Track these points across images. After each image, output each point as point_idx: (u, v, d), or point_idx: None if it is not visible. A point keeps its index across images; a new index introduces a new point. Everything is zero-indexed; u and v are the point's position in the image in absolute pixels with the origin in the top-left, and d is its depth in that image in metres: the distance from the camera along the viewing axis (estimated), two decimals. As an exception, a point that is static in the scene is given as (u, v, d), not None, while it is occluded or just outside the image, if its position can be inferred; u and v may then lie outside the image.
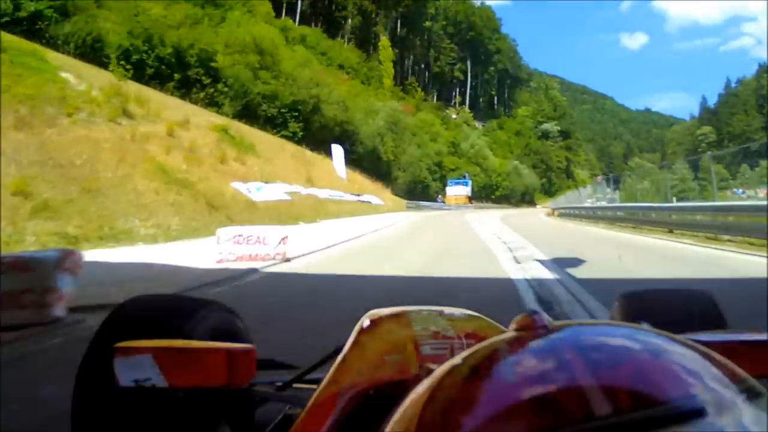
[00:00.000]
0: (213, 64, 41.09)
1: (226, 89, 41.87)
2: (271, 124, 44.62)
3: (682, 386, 0.49)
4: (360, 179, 48.18)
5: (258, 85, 44.01)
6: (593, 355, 0.55)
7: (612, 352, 0.57)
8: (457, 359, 0.67)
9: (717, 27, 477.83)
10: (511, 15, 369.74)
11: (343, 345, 1.40)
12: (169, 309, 1.76)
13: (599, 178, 49.11)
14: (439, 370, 0.66)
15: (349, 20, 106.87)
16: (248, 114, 42.11)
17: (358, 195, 38.28)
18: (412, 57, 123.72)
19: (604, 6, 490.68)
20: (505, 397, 0.53)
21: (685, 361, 0.55)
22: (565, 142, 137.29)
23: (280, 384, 1.59)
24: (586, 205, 40.45)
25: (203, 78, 40.79)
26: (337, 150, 44.76)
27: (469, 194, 79.83)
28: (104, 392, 1.37)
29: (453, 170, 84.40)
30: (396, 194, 58.69)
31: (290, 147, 39.95)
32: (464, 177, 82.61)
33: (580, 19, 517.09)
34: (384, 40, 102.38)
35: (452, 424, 0.53)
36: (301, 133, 46.16)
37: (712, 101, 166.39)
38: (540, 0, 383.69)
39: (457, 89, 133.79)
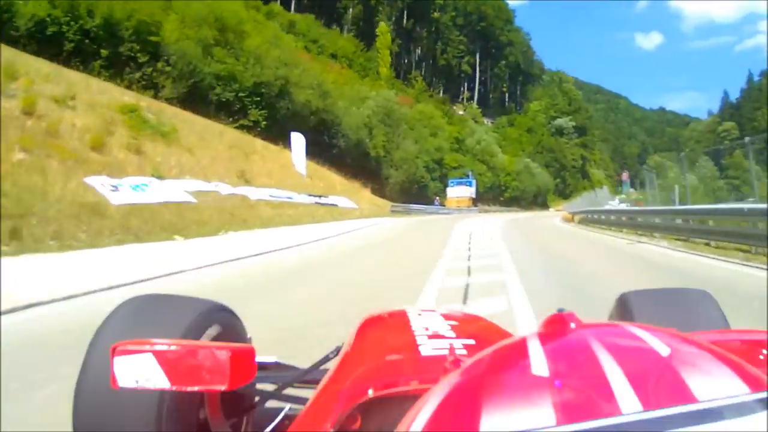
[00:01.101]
0: (153, 39, 33.44)
1: (168, 68, 34.10)
2: (227, 110, 36.63)
3: (704, 387, 0.51)
4: (329, 176, 39.85)
5: (211, 64, 36.03)
6: (622, 354, 0.57)
7: (640, 352, 0.59)
8: (485, 352, 0.69)
9: (733, 25, 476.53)
10: (526, 14, 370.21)
11: (343, 345, 1.52)
12: (168, 308, 1.69)
13: (625, 175, 41.20)
14: (467, 363, 0.68)
15: (350, 10, 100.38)
16: (196, 98, 34.29)
17: (319, 196, 30.63)
18: (418, 50, 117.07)
19: (619, 6, 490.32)
20: (534, 389, 0.54)
21: (708, 363, 0.57)
22: (580, 139, 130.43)
23: (280, 384, 1.60)
24: (614, 207, 32.95)
25: (139, 55, 33.00)
26: (298, 139, 36.25)
27: (473, 195, 70.80)
28: (105, 392, 1.36)
29: (455, 168, 75.18)
30: (385, 195, 50.56)
31: (233, 134, 31.91)
32: (467, 176, 73.25)
33: (594, 20, 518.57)
34: (382, 26, 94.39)
35: (476, 412, 0.54)
36: (264, 122, 38.08)
37: (732, 98, 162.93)
38: (555, 0, 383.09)
39: (465, 84, 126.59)
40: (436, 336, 1.40)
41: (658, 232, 17.22)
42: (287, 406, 1.56)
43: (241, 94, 37.66)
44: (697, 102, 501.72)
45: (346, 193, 37.02)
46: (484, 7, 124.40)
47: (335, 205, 31.20)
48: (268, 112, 38.63)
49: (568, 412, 0.49)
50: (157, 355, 1.10)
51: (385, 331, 1.61)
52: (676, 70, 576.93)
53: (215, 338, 1.57)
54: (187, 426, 1.44)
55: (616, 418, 0.47)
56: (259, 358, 1.36)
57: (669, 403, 0.48)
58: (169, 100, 31.78)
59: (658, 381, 0.52)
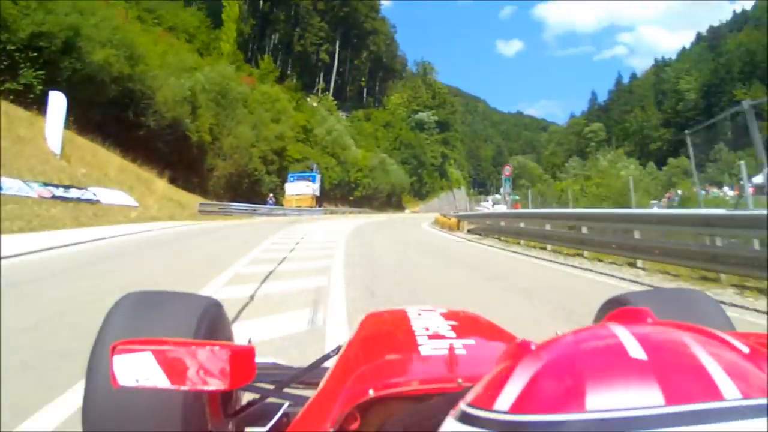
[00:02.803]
0: None
1: None
2: (-14, 68, 27.25)
3: None
4: (106, 159, 29.64)
5: (-32, 7, 26.52)
6: (709, 345, 0.58)
7: (724, 346, 0.59)
8: (564, 336, 0.67)
9: (593, 35, 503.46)
10: (389, 14, 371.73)
11: (343, 345, 1.55)
12: (167, 306, 1.70)
13: (507, 169, 36.32)
14: (545, 343, 0.66)
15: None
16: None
17: (67, 187, 21.61)
18: (275, 36, 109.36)
19: (482, 11, 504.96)
20: (636, 370, 0.54)
21: None
22: (442, 135, 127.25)
23: (279, 384, 1.61)
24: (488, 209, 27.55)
25: None
26: (57, 101, 25.82)
27: (317, 193, 63.39)
28: (111, 391, 1.35)
29: (299, 161, 66.97)
30: (207, 191, 42.80)
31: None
32: (311, 170, 65.57)
33: (456, 23, 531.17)
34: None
35: (579, 389, 0.53)
36: (40, 87, 28.29)
37: (580, 108, 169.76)
38: (419, 0, 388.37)
39: (322, 75, 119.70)
40: (436, 336, 1.42)
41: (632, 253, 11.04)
42: (286, 404, 1.56)
43: (10, 47, 28.16)
44: (554, 108, 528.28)
45: (125, 185, 27.89)
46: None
47: (96, 201, 22.57)
48: (47, 74, 29.10)
49: (675, 394, 0.49)
50: (157, 354, 1.10)
51: (385, 330, 1.63)
52: (535, 77, 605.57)
53: (213, 336, 1.58)
54: (190, 426, 1.45)
55: (723, 402, 0.47)
56: (258, 359, 1.35)
57: (762, 395, 0.48)
58: None
59: (749, 373, 0.52)
